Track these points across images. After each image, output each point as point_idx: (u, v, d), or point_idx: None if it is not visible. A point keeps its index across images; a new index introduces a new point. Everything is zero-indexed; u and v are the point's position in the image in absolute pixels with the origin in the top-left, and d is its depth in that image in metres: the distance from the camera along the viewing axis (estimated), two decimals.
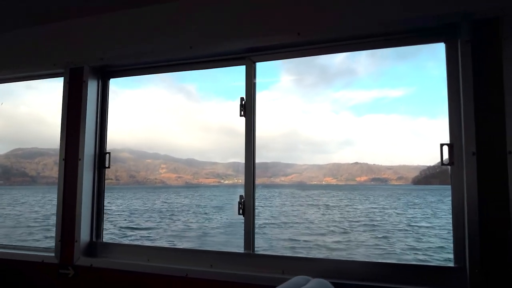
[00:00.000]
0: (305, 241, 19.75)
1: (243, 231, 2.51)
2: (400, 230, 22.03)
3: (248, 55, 2.57)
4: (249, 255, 2.46)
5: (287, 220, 26.30)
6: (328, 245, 18.97)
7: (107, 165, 2.96)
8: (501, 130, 1.96)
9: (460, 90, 2.07)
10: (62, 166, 2.88)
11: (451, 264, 2.10)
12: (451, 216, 2.12)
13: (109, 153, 2.97)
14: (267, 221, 25.14)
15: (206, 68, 2.74)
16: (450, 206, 2.12)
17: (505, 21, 1.99)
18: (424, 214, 27.86)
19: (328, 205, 33.55)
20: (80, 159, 2.82)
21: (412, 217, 26.73)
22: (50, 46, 3.06)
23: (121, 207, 32.61)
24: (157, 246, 2.75)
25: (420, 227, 22.93)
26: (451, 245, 2.13)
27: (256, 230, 2.55)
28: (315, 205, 34.11)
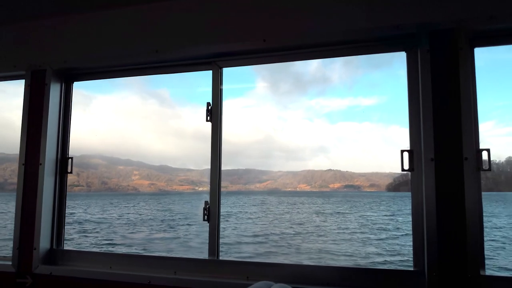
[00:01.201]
0: None
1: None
2: None
3: (214, 60, 2.57)
4: (214, 261, 2.44)
5: None
6: None
7: (69, 170, 2.88)
8: (458, 137, 2.03)
9: (419, 98, 2.13)
10: (21, 171, 2.78)
11: (411, 268, 2.15)
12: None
13: (71, 158, 2.89)
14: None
15: (172, 73, 2.73)
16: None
17: (461, 32, 2.07)
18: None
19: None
20: (41, 164, 2.73)
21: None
22: (11, 47, 2.97)
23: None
24: (120, 253, 2.69)
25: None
26: None
27: None
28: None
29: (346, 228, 27.36)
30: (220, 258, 2.47)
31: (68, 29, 2.82)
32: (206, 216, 2.49)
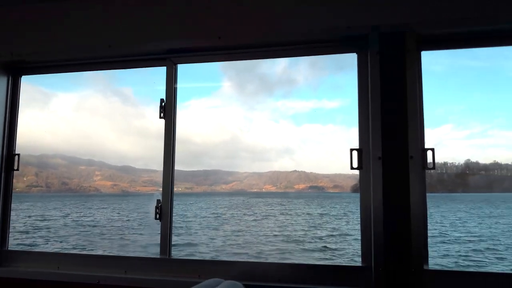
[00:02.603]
0: None
1: None
2: None
3: (169, 56, 2.54)
4: (165, 260, 2.41)
5: None
6: None
7: (15, 168, 2.76)
8: (404, 136, 2.10)
9: (369, 98, 2.19)
10: None
11: (359, 264, 2.20)
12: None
13: (18, 154, 2.77)
14: None
15: (125, 68, 2.67)
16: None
17: (409, 35, 2.14)
18: None
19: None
20: None
21: None
22: None
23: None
24: (68, 253, 2.61)
25: None
26: None
27: None
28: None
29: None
30: (172, 257, 2.44)
31: (16, 20, 2.70)
32: (158, 215, 2.46)
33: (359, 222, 2.22)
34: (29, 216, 31.58)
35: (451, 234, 23.10)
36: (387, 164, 2.10)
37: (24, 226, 26.54)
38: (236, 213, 34.92)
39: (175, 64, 2.57)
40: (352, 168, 2.24)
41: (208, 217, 32.23)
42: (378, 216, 2.08)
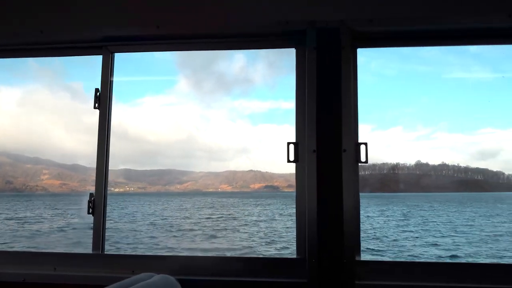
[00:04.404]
0: None
1: None
2: None
3: (105, 45, 2.44)
4: (98, 255, 2.32)
5: None
6: None
7: None
8: (338, 130, 2.14)
9: (305, 93, 2.22)
10: None
11: (294, 256, 2.23)
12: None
13: None
14: None
15: (59, 56, 2.57)
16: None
17: (345, 32, 2.19)
18: None
19: None
20: None
21: None
22: None
23: None
24: None
25: None
26: None
27: None
28: None
29: None
30: (106, 252, 2.36)
31: None
32: (90, 209, 2.36)
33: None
34: None
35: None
36: (321, 157, 2.14)
37: None
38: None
39: (112, 53, 2.48)
40: (288, 161, 2.26)
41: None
42: (312, 208, 2.11)
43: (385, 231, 24.97)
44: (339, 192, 2.10)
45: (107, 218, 2.42)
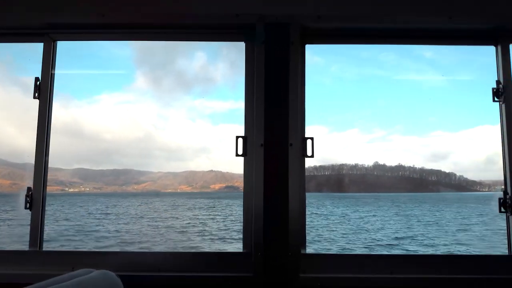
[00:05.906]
0: None
1: None
2: None
3: (47, 32, 2.33)
4: (36, 252, 2.21)
5: None
6: None
7: None
8: (285, 124, 2.16)
9: (254, 87, 2.22)
10: None
11: (241, 250, 2.22)
12: None
13: None
14: None
15: None
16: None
17: (293, 28, 2.21)
18: None
19: None
20: None
21: None
22: None
23: None
24: None
25: None
26: None
27: None
28: None
29: None
30: (44, 249, 2.25)
31: None
32: (28, 204, 2.24)
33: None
34: None
35: None
36: (268, 150, 2.15)
37: None
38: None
39: (54, 41, 2.37)
40: (237, 155, 2.25)
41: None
42: (259, 202, 2.12)
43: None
44: (285, 185, 2.12)
45: None
